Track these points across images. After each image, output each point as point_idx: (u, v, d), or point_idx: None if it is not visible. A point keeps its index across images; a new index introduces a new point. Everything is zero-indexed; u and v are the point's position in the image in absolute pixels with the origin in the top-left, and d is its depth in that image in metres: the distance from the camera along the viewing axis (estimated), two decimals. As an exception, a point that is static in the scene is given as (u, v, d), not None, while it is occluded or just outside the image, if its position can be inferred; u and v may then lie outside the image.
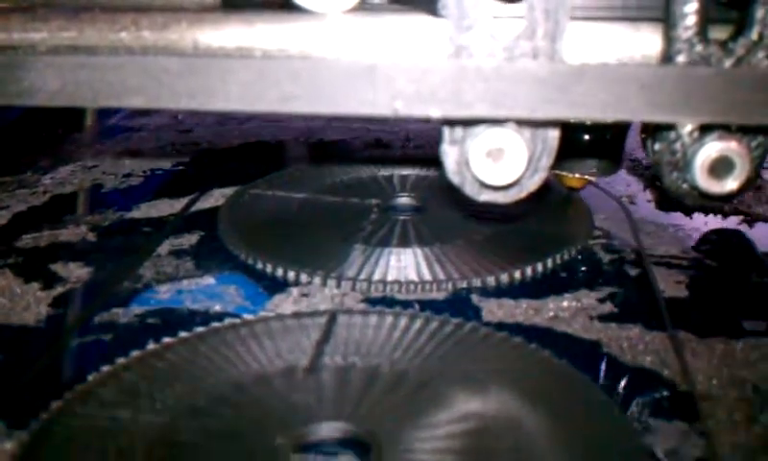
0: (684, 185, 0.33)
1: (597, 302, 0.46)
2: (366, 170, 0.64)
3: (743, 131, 0.31)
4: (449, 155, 0.32)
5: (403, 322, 0.42)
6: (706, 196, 0.33)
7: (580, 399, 0.37)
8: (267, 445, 0.33)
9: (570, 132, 0.32)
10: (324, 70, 0.29)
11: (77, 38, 0.33)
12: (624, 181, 0.65)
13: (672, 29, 0.31)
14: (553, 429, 0.35)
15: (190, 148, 0.72)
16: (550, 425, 0.35)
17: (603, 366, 0.40)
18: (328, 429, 0.35)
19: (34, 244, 0.53)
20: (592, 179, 0.55)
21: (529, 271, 0.49)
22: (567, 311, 0.45)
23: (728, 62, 0.30)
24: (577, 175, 0.55)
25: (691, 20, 0.30)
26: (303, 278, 0.48)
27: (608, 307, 0.45)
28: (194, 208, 0.59)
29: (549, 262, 0.50)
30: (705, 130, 0.31)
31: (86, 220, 0.56)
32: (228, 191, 0.62)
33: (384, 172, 0.64)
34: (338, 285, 0.47)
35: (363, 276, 0.48)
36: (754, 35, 0.30)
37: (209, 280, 0.48)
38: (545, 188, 0.60)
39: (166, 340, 0.40)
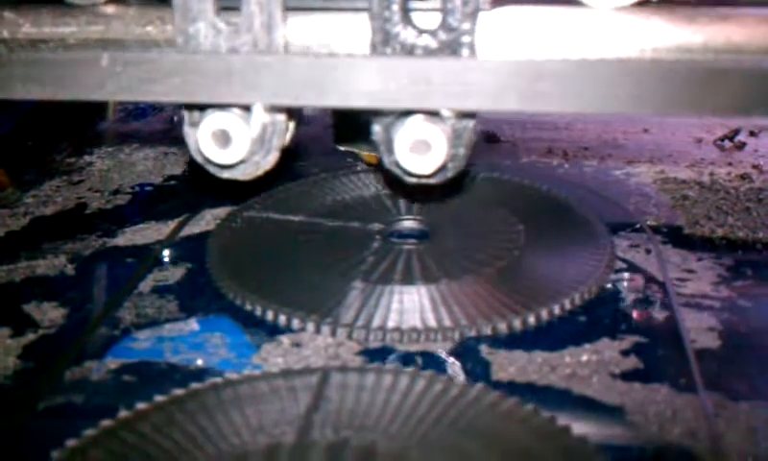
0: (396, 167, 0.35)
1: (620, 354, 0.41)
2: (368, 187, 0.60)
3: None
4: (190, 136, 0.35)
5: (403, 384, 0.38)
6: (413, 175, 0.35)
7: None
8: None
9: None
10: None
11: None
12: (650, 201, 0.59)
13: (374, 19, 0.32)
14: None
15: (183, 158, 0.68)
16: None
17: (625, 440, 0.36)
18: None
19: (8, 278, 0.49)
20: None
21: (545, 314, 0.44)
22: (587, 367, 0.40)
23: (434, 50, 0.32)
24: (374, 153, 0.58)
25: (393, 10, 0.32)
26: (295, 323, 0.43)
27: (632, 362, 0.41)
28: (182, 233, 0.55)
29: (567, 303, 0.45)
30: (410, 113, 0.33)
31: (66, 249, 0.52)
32: (221, 211, 0.57)
33: (388, 189, 0.59)
34: (333, 333, 0.43)
35: (360, 322, 0.43)
36: (453, 23, 0.32)
37: (193, 326, 0.44)
38: (563, 212, 0.56)
39: (139, 406, 0.36)
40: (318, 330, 0.43)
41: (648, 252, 0.51)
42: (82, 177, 0.64)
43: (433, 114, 0.34)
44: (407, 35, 0.32)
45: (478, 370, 0.40)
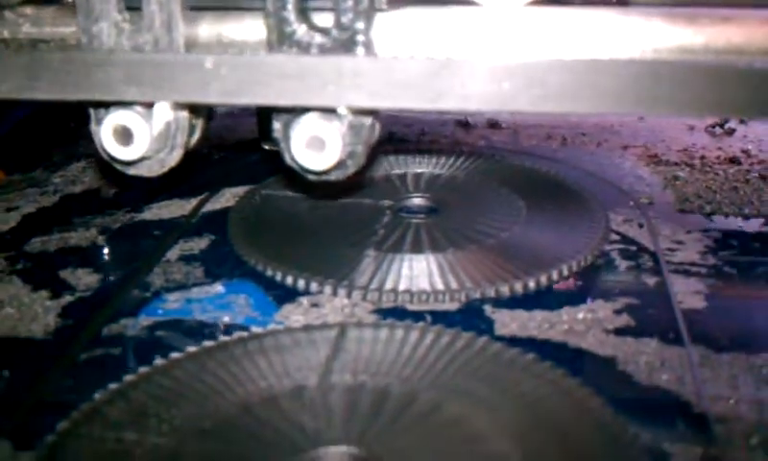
0: (294, 163, 0.35)
1: (613, 314, 0.45)
2: (379, 168, 0.63)
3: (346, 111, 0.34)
4: (96, 134, 0.35)
5: (414, 336, 0.41)
6: (310, 172, 0.35)
7: (593, 422, 0.36)
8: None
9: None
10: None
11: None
12: (644, 181, 0.63)
13: (269, 17, 0.33)
14: (565, 455, 0.34)
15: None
16: (561, 450, 0.34)
17: (618, 385, 0.39)
18: (336, 454, 0.34)
19: (42, 248, 0.53)
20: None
21: (544, 279, 0.48)
22: (583, 324, 0.44)
23: (329, 48, 0.33)
24: None
25: (288, 9, 0.32)
26: (314, 286, 0.47)
27: (624, 320, 0.44)
28: (204, 210, 0.58)
29: (565, 270, 0.48)
30: (306, 110, 0.34)
31: (96, 223, 0.56)
32: (240, 190, 0.61)
33: (397, 170, 0.63)
34: (348, 295, 0.46)
35: (374, 285, 0.47)
36: (346, 22, 0.32)
37: (219, 289, 0.48)
38: (561, 191, 0.59)
39: (174, 355, 0.40)
40: (335, 293, 0.46)
41: (641, 226, 0.55)
42: (106, 159, 0.68)
43: (330, 111, 0.34)
44: (302, 33, 0.33)
45: (483, 326, 0.44)
